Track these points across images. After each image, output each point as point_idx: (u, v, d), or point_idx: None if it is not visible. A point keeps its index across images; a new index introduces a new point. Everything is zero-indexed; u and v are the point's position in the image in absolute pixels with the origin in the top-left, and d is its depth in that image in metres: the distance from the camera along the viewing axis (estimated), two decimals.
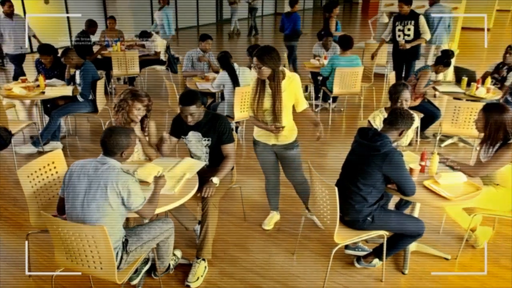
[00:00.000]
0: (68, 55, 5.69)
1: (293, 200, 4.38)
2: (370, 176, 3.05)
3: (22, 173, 3.16)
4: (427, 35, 6.92)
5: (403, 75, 7.27)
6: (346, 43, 6.64)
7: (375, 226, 3.19)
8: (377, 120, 4.06)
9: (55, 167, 3.42)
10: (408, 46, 6.93)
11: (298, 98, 3.55)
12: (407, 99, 3.99)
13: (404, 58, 7.13)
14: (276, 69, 3.34)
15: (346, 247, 3.68)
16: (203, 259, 3.47)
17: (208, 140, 3.61)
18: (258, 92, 3.45)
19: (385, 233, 3.25)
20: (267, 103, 3.47)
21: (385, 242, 3.33)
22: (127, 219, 3.48)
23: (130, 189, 2.66)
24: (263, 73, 3.34)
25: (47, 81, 5.88)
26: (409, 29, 6.92)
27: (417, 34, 6.90)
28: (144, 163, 3.48)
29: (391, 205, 4.06)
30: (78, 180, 2.69)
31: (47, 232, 2.79)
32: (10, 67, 9.29)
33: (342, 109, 7.57)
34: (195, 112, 3.44)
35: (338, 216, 3.02)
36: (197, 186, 3.24)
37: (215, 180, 3.44)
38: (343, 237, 3.15)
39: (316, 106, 7.56)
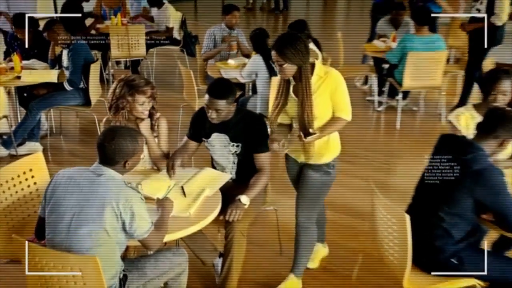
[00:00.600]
0: (53, 29, 5.78)
1: (345, 229, 4.32)
2: (457, 202, 3.00)
3: None
4: (498, 19, 6.58)
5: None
6: (423, 17, 6.53)
7: (463, 272, 3.11)
8: (462, 121, 3.95)
9: (32, 177, 3.44)
10: (467, 28, 6.75)
11: (336, 102, 3.38)
12: (506, 92, 3.82)
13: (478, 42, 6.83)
14: (303, 66, 3.25)
15: None
16: None
17: (237, 146, 3.60)
18: (280, 97, 3.41)
19: (478, 283, 3.15)
20: (291, 110, 3.42)
21: None
22: (126, 248, 3.47)
23: (134, 210, 2.66)
24: (286, 71, 3.27)
25: (24, 62, 6.00)
26: (481, 3, 6.67)
27: (490, 13, 6.62)
28: (150, 174, 3.49)
29: (487, 244, 3.95)
30: (65, 195, 2.70)
31: (18, 264, 2.78)
32: None
33: (415, 108, 7.49)
34: (223, 109, 3.45)
35: (410, 255, 2.98)
36: (219, 206, 3.23)
37: (244, 199, 3.43)
38: (416, 284, 3.09)
39: (380, 104, 7.49)
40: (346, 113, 3.38)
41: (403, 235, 2.95)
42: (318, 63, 3.37)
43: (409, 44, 6.51)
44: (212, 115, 3.47)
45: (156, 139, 3.68)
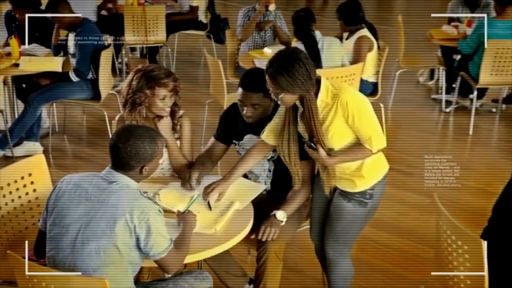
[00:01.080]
0: (58, 9, 5.85)
1: (401, 255, 4.32)
2: None
3: None
4: None
5: None
6: None
7: None
8: None
9: (32, 183, 3.48)
10: None
11: (356, 132, 3.23)
12: None
13: None
14: (306, 95, 3.11)
15: None
16: None
17: (275, 150, 3.59)
18: (287, 127, 3.31)
19: None
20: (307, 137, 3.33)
21: None
22: (140, 269, 3.52)
23: (151, 224, 2.67)
24: (285, 101, 3.16)
25: (24, 47, 6.07)
26: None
27: None
28: (170, 182, 3.51)
29: None
30: (70, 205, 2.72)
31: (13, 286, 2.83)
32: None
33: (494, 110, 7.43)
34: (260, 105, 3.46)
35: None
36: (251, 223, 3.24)
37: (281, 215, 3.43)
38: None
39: (448, 103, 7.41)
40: (371, 145, 3.21)
41: (478, 265, 2.88)
42: (324, 85, 3.19)
43: (489, 30, 6.43)
44: (247, 112, 3.48)
45: (178, 142, 3.70)
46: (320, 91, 3.16)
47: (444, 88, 7.51)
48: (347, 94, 3.15)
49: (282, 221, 3.42)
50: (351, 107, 3.12)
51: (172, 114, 3.64)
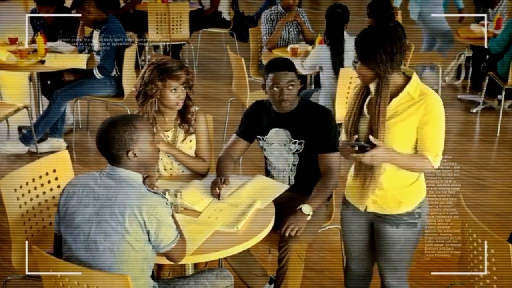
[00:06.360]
0: (83, 6, 5.91)
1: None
2: None
3: (6, 186, 3.28)
4: None
5: None
6: None
7: None
8: None
9: (56, 178, 3.54)
10: None
11: (423, 137, 2.98)
12: None
13: None
14: (382, 76, 2.93)
15: None
16: None
17: (300, 143, 3.63)
18: (353, 107, 3.13)
19: None
20: (363, 126, 3.07)
21: None
22: (160, 266, 3.55)
23: (160, 218, 2.68)
24: (360, 73, 2.99)
25: (50, 44, 6.14)
26: None
27: None
28: (191, 180, 3.54)
29: None
30: (79, 206, 2.74)
31: (37, 280, 2.88)
32: None
33: None
34: (294, 84, 3.52)
35: None
36: (272, 222, 3.24)
37: (307, 209, 3.42)
38: None
39: (475, 104, 7.34)
40: (433, 154, 2.95)
41: (505, 269, 2.86)
42: (415, 79, 2.99)
43: None
44: (283, 95, 3.50)
45: (192, 141, 3.72)
46: (410, 83, 2.96)
47: (468, 87, 7.50)
48: (436, 97, 2.97)
49: (308, 215, 3.41)
50: (434, 107, 2.94)
51: (186, 108, 3.64)
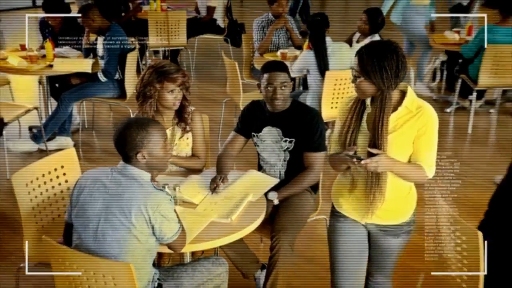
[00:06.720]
0: (88, 15, 5.92)
1: None
2: None
3: (18, 180, 3.31)
4: None
5: None
6: (508, 4, 6.40)
7: None
8: None
9: (64, 174, 3.55)
10: None
11: (418, 148, 2.85)
12: None
13: None
14: (385, 91, 2.77)
15: None
16: None
17: (290, 141, 3.64)
18: (349, 122, 2.92)
19: None
20: (361, 140, 2.90)
21: None
22: (161, 255, 3.55)
23: (164, 213, 2.70)
24: (361, 88, 2.81)
25: (57, 49, 6.14)
26: None
27: None
28: (187, 175, 3.55)
29: None
30: (90, 199, 2.75)
31: (47, 267, 2.88)
32: (4, 28, 9.76)
33: (492, 110, 7.38)
34: (287, 84, 3.55)
35: (482, 279, 2.88)
36: (264, 213, 3.26)
37: (271, 195, 3.47)
38: None
39: (448, 104, 7.37)
40: (428, 165, 2.86)
41: (475, 255, 2.86)
42: (411, 93, 2.86)
43: (489, 35, 6.37)
44: (276, 94, 3.53)
45: (188, 139, 3.72)
46: (407, 97, 2.83)
47: (443, 88, 7.53)
48: (432, 110, 2.84)
49: (272, 201, 3.46)
50: (429, 120, 2.82)
51: (182, 108, 3.65)
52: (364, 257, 3.14)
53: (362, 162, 2.67)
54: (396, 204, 2.96)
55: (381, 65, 2.70)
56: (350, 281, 3.16)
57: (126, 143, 2.74)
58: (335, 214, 3.13)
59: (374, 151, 2.71)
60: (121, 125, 2.79)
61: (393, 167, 2.78)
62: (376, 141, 2.77)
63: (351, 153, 2.76)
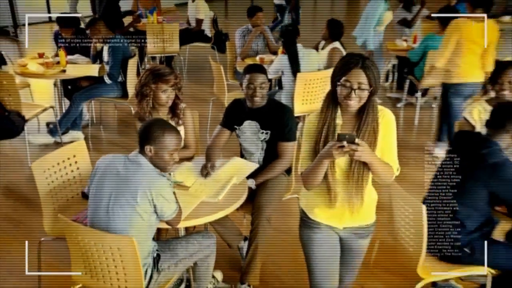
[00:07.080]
0: (95, 27, 5.90)
1: None
2: (471, 194, 2.98)
3: (37, 168, 3.31)
4: None
5: None
6: (445, 17, 6.43)
7: (475, 261, 3.08)
8: (475, 115, 3.91)
9: (76, 162, 3.55)
10: None
11: (383, 149, 2.55)
12: None
13: None
14: (375, 95, 2.52)
15: (434, 284, 3.58)
16: (248, 285, 3.52)
17: (266, 133, 3.66)
18: (326, 138, 2.51)
19: (489, 271, 3.12)
20: (341, 158, 2.48)
21: (489, 283, 3.18)
22: (159, 230, 3.56)
23: (165, 195, 2.73)
24: (362, 97, 2.46)
25: (69, 57, 6.10)
26: None
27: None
28: (181, 163, 3.54)
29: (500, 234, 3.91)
30: (103, 180, 2.77)
31: (63, 240, 2.90)
32: (24, 39, 9.65)
33: (434, 105, 7.38)
34: (265, 85, 3.55)
35: (425, 244, 2.95)
36: (246, 194, 3.28)
37: (250, 183, 3.49)
38: (430, 270, 3.07)
39: (398, 100, 7.42)
40: (395, 166, 2.58)
41: (419, 225, 2.94)
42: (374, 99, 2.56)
43: (430, 42, 6.41)
44: (256, 93, 3.53)
45: (179, 130, 3.71)
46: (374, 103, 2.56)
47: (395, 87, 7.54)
48: (388, 111, 2.59)
49: (251, 187, 3.49)
50: (390, 122, 2.56)
51: (175, 105, 3.65)
52: (337, 260, 2.83)
53: (356, 141, 2.29)
54: (368, 207, 2.68)
55: (379, 75, 2.47)
56: (328, 282, 2.85)
57: (143, 134, 2.76)
58: (307, 223, 2.75)
59: (358, 141, 2.32)
60: (150, 120, 2.86)
61: (374, 159, 2.40)
62: (371, 146, 2.46)
63: (345, 136, 2.31)
